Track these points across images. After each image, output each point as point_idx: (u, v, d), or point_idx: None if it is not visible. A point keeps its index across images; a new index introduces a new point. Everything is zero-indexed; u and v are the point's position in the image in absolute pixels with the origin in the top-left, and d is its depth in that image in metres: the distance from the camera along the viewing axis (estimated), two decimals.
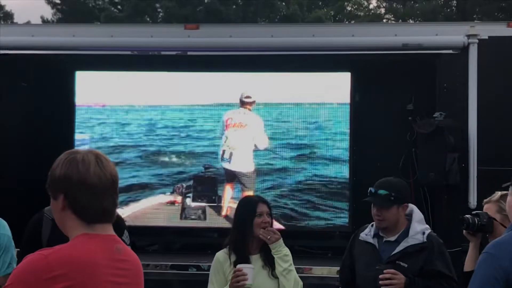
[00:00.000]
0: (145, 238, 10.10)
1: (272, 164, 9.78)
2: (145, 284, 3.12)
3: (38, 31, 9.50)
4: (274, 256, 5.34)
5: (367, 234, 5.44)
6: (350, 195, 9.67)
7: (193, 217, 9.68)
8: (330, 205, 9.70)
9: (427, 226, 5.39)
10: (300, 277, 5.50)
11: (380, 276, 5.11)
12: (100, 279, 2.76)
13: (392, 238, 5.30)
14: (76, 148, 9.43)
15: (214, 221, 9.77)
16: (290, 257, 5.40)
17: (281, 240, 5.36)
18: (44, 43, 9.18)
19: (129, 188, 9.75)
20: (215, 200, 9.67)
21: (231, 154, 9.62)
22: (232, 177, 9.70)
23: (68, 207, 2.84)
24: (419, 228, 5.26)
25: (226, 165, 9.69)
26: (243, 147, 9.68)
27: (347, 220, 9.69)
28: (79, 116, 10.08)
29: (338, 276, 8.31)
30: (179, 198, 9.70)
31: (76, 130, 10.06)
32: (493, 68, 8.59)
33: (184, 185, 9.64)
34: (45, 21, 38.44)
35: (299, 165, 9.79)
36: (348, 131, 9.75)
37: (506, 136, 8.49)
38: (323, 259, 9.12)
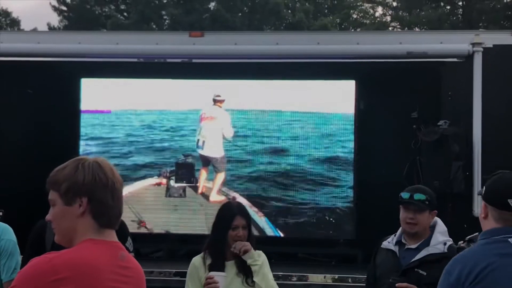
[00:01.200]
0: (149, 244, 10.12)
1: (274, 163, 9.89)
2: None
3: (44, 38, 9.53)
4: (251, 266, 5.32)
5: (389, 242, 5.53)
6: (355, 203, 9.67)
7: (175, 195, 10.06)
8: (334, 212, 9.69)
9: (450, 238, 5.42)
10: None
11: (397, 284, 5.15)
12: (103, 284, 2.79)
13: (414, 246, 5.37)
14: (81, 155, 9.48)
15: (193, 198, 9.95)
16: (263, 266, 5.38)
17: (252, 251, 5.32)
18: (50, 50, 9.21)
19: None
20: (193, 181, 10.04)
21: (203, 142, 10.02)
22: (206, 161, 10.04)
23: (89, 211, 2.87)
24: (441, 238, 5.31)
25: (200, 151, 10.03)
26: (213, 136, 10.04)
27: (351, 228, 9.68)
28: (84, 122, 10.10)
29: (341, 284, 8.38)
30: (164, 180, 10.10)
31: (81, 137, 10.08)
32: (497, 76, 8.59)
33: (168, 170, 10.08)
34: (51, 28, 38.54)
35: (303, 170, 9.79)
36: (352, 139, 9.73)
37: (510, 144, 8.48)
38: (327, 267, 9.13)
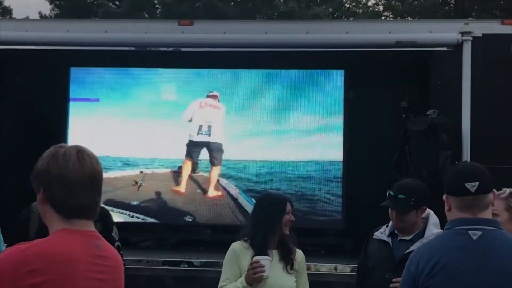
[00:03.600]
0: (138, 234, 10.11)
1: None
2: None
3: (33, 26, 9.47)
4: None
5: (382, 232, 5.49)
6: (343, 192, 9.67)
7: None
8: (322, 202, 9.69)
9: (442, 230, 5.40)
10: None
11: (390, 285, 5.12)
12: (78, 275, 2.76)
13: (407, 238, 5.34)
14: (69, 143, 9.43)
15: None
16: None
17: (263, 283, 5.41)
18: (38, 39, 9.14)
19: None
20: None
21: (209, 127, 9.99)
22: (208, 147, 10.01)
23: (47, 201, 2.86)
24: (434, 230, 5.27)
25: (205, 137, 9.96)
26: (218, 123, 10.02)
27: (340, 217, 9.68)
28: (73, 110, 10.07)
29: (333, 273, 8.38)
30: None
31: (70, 125, 10.04)
32: (487, 65, 8.57)
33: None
34: (42, 17, 38.36)
35: (292, 162, 9.79)
36: (341, 127, 9.73)
37: (499, 134, 8.48)
38: (316, 256, 9.13)
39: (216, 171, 9.90)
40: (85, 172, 2.86)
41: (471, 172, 3.74)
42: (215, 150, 9.95)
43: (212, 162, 9.91)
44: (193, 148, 9.96)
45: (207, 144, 9.98)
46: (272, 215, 5.54)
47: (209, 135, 9.96)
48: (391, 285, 5.11)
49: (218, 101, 9.97)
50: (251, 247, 5.48)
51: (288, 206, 5.57)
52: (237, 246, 5.56)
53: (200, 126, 9.97)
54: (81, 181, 2.85)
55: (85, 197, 2.87)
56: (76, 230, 2.85)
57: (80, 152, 2.90)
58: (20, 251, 2.70)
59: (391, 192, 5.36)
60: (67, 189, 2.83)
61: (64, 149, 2.90)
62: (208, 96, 9.96)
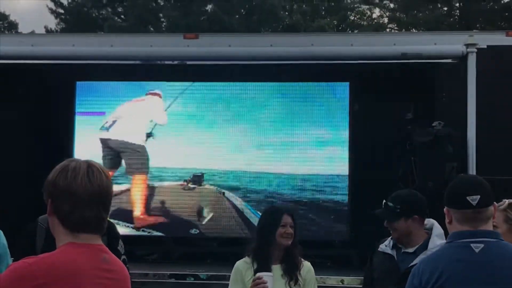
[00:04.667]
0: (145, 247, 10.11)
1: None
2: None
3: (38, 41, 9.51)
4: None
5: (386, 245, 5.47)
6: (349, 203, 9.66)
7: None
8: (329, 214, 9.69)
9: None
10: None
11: None
12: None
13: (411, 250, 5.31)
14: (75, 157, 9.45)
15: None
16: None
17: None
18: (44, 53, 9.18)
19: None
20: None
21: None
22: None
23: (53, 213, 2.87)
24: (438, 242, 5.23)
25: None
26: None
27: (346, 229, 9.68)
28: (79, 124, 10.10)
29: (340, 286, 8.37)
30: None
31: (76, 139, 10.07)
32: (492, 77, 8.58)
33: None
34: (48, 31, 38.47)
35: (299, 175, 9.79)
36: (346, 139, 9.73)
37: (505, 145, 8.48)
38: (322, 268, 9.12)
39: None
40: (93, 186, 2.86)
41: (473, 185, 3.74)
42: None
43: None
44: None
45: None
46: (266, 228, 5.54)
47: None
48: None
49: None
50: (255, 263, 5.47)
51: (286, 219, 5.51)
52: (241, 264, 5.56)
53: None
54: (88, 195, 2.85)
55: (91, 211, 2.87)
56: (83, 244, 2.86)
57: (90, 166, 2.91)
58: (27, 265, 2.71)
59: (384, 201, 5.37)
60: (72, 202, 2.84)
61: (74, 162, 2.91)
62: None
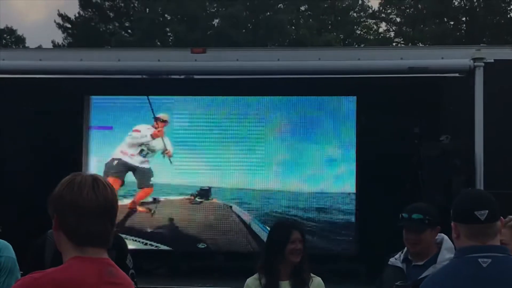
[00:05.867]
0: (152, 261, 10.10)
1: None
2: None
3: (46, 55, 9.54)
4: None
5: (396, 258, 5.49)
6: (356, 217, 9.65)
7: None
8: (337, 228, 9.67)
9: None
10: None
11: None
12: None
13: (420, 263, 5.33)
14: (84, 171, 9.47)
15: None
16: None
17: None
18: (52, 68, 9.21)
19: None
20: None
21: None
22: None
23: (59, 227, 2.87)
24: (447, 255, 5.24)
25: None
26: None
27: (353, 243, 9.66)
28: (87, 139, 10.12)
29: None
30: None
31: (83, 153, 10.08)
32: (499, 91, 8.57)
33: None
34: (55, 46, 38.63)
35: (306, 188, 9.78)
36: (354, 154, 9.73)
37: None
38: (328, 282, 9.10)
39: None
40: (99, 200, 2.87)
41: (481, 200, 3.73)
42: None
43: None
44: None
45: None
46: (275, 244, 5.55)
47: None
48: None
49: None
50: (264, 279, 5.48)
51: (295, 234, 5.53)
52: (250, 281, 5.57)
53: None
54: (93, 209, 2.85)
55: (97, 225, 2.87)
56: (89, 258, 2.86)
57: (96, 180, 2.91)
58: (33, 280, 2.73)
59: (404, 214, 5.36)
60: (78, 216, 2.84)
61: (80, 177, 2.91)
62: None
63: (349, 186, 9.74)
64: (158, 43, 36.03)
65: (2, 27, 43.90)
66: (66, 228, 2.86)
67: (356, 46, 39.17)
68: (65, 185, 2.88)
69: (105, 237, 2.91)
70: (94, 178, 2.93)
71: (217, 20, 36.56)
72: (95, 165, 10.02)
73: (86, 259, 2.85)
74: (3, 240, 5.78)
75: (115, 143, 10.14)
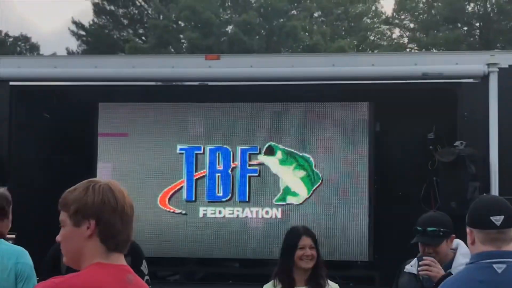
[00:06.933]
0: (167, 268, 10.10)
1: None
2: None
3: (60, 62, 9.59)
4: None
5: (412, 265, 5.50)
6: (370, 224, 9.62)
7: None
8: (351, 234, 9.65)
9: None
10: None
11: (420, 262, 5.21)
12: None
13: None
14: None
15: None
16: None
17: None
18: (66, 75, 9.25)
19: None
20: None
21: None
22: None
23: (97, 234, 2.86)
24: (463, 260, 5.22)
25: None
26: None
27: (368, 249, 9.63)
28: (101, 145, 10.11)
29: None
30: None
31: (99, 160, 10.09)
32: None
33: None
34: (70, 53, 38.79)
35: (319, 194, 9.75)
36: (367, 160, 9.69)
37: None
38: None
39: None
40: (129, 206, 2.93)
41: (496, 206, 3.72)
42: None
43: None
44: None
45: None
46: (286, 251, 5.60)
47: None
48: (420, 262, 5.20)
49: None
50: (279, 286, 5.51)
51: (304, 240, 5.56)
52: (267, 287, 5.62)
53: None
54: (128, 214, 2.91)
55: (131, 230, 2.94)
56: (109, 264, 2.87)
57: (118, 186, 2.95)
58: (54, 284, 2.75)
59: (419, 228, 5.36)
60: (123, 220, 2.89)
61: (99, 184, 2.93)
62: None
63: (363, 191, 9.68)
64: (172, 50, 36.10)
65: (16, 35, 44.20)
66: (107, 233, 2.86)
67: (370, 52, 39.14)
68: (100, 191, 2.89)
69: (128, 243, 2.96)
70: (111, 184, 2.95)
71: (230, 27, 36.61)
72: (108, 172, 9.99)
73: (106, 265, 2.86)
74: (19, 247, 5.81)
75: (130, 149, 10.11)
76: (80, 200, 2.88)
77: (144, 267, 5.67)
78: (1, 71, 9.07)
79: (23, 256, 5.84)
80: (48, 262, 5.58)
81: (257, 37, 36.14)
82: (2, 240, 5.56)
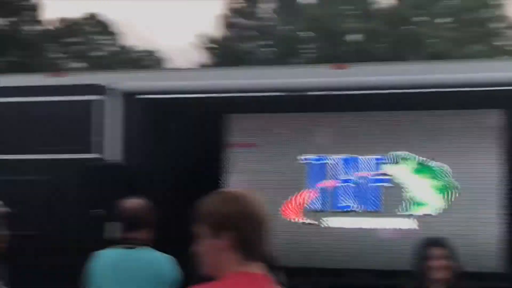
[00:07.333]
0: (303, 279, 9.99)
1: None
2: None
3: (189, 75, 9.70)
4: None
5: None
6: (506, 234, 9.33)
7: None
8: (484, 244, 9.39)
9: None
10: None
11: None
12: None
13: None
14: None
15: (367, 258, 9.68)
16: None
17: None
18: (194, 87, 9.35)
19: None
20: None
21: None
22: None
23: (235, 245, 2.85)
24: None
25: None
26: None
27: (500, 261, 9.35)
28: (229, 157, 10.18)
29: None
30: None
31: (227, 172, 10.15)
32: None
33: None
34: (200, 66, 39.51)
35: (454, 204, 9.53)
36: (498, 172, 9.38)
37: None
38: None
39: None
40: (266, 215, 2.93)
41: None
42: None
43: None
44: None
45: None
46: (416, 262, 5.59)
47: None
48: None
49: None
50: None
51: (433, 251, 5.51)
52: None
53: None
54: (266, 223, 2.92)
55: (267, 240, 2.93)
56: (250, 274, 2.86)
57: (255, 196, 2.95)
58: None
59: None
60: (261, 230, 2.89)
61: (236, 194, 2.95)
62: None
63: (493, 203, 9.41)
64: (297, 60, 36.24)
65: (146, 49, 45.55)
66: (245, 244, 2.86)
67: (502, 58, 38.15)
68: (235, 201, 2.89)
69: (267, 252, 2.94)
70: (248, 194, 2.96)
71: (356, 35, 36.48)
72: (237, 183, 10.03)
73: (246, 274, 2.85)
74: (167, 255, 5.90)
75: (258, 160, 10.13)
76: (219, 211, 2.88)
77: (283, 279, 5.63)
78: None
79: (170, 264, 5.91)
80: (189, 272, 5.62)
81: (384, 45, 35.80)
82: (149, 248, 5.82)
